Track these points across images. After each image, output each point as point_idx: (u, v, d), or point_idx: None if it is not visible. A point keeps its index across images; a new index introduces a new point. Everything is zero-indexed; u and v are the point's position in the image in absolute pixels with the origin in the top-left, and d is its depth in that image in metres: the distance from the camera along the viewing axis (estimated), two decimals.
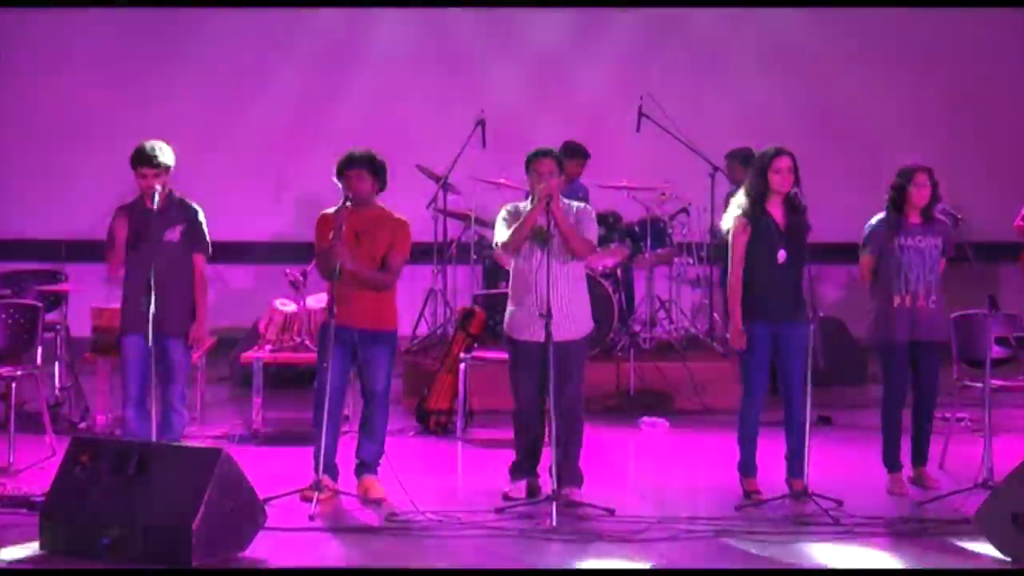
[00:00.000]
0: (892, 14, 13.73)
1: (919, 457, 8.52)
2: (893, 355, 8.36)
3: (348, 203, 8.04)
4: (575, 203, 8.31)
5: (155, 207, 8.07)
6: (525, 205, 8.16)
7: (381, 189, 8.25)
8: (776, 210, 8.17)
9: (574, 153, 11.76)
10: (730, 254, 8.26)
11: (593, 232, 8.18)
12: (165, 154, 8.16)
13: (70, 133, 13.55)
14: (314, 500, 7.74)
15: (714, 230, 11.71)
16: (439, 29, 13.83)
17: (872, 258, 8.42)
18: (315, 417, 8.07)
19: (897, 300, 8.31)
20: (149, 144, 8.16)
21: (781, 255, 8.08)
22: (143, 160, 8.10)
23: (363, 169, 8.12)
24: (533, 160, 8.11)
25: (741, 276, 8.18)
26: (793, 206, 8.06)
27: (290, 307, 10.23)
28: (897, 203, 8.36)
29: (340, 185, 8.15)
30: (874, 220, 8.45)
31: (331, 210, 8.17)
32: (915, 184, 8.30)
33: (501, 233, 8.15)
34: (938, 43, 13.95)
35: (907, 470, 8.49)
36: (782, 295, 8.05)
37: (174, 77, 13.71)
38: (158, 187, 8.09)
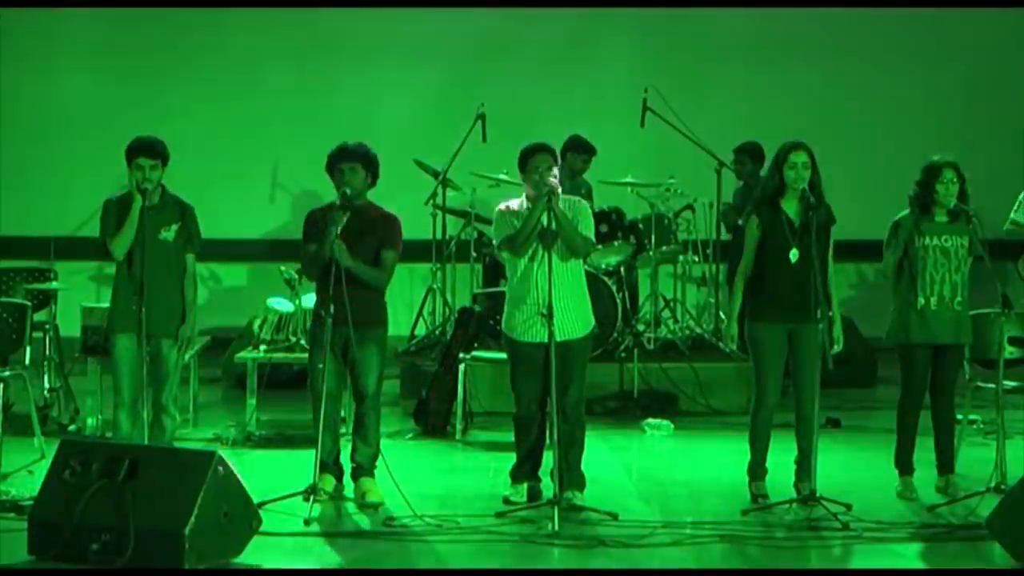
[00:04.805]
0: (903, 8, 13.63)
1: (947, 464, 8.38)
2: (914, 357, 8.22)
3: (345, 200, 7.89)
4: (571, 198, 8.21)
5: (150, 202, 7.95)
6: (521, 202, 8.02)
7: (372, 183, 8.11)
8: (791, 207, 8.00)
9: (579, 148, 11.66)
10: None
11: (591, 228, 8.07)
12: (163, 147, 8.07)
13: (60, 130, 13.53)
14: (310, 504, 7.64)
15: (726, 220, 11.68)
16: (438, 23, 13.73)
17: (896, 257, 8.25)
18: (314, 420, 8.01)
19: (921, 301, 8.16)
20: (148, 136, 8.07)
21: (794, 254, 7.90)
22: (143, 149, 7.97)
23: (357, 162, 8.02)
24: (529, 156, 7.99)
25: (744, 274, 8.07)
26: (807, 203, 7.87)
27: (285, 306, 10.11)
28: (923, 201, 8.18)
29: (332, 178, 8.01)
30: (899, 217, 8.28)
31: (320, 207, 8.12)
32: (942, 181, 8.12)
33: (500, 232, 8.03)
34: (949, 38, 13.96)
35: (925, 476, 8.34)
36: (795, 295, 7.86)
37: (166, 74, 13.69)
38: (155, 180, 7.95)
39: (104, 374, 9.52)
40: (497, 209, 8.16)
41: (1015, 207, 10.66)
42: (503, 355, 8.52)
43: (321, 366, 7.91)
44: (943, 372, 8.25)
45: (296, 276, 9.77)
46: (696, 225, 11.91)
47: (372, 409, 8.14)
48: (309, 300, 9.85)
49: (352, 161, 8.02)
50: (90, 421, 9.84)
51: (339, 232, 7.82)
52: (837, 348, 7.96)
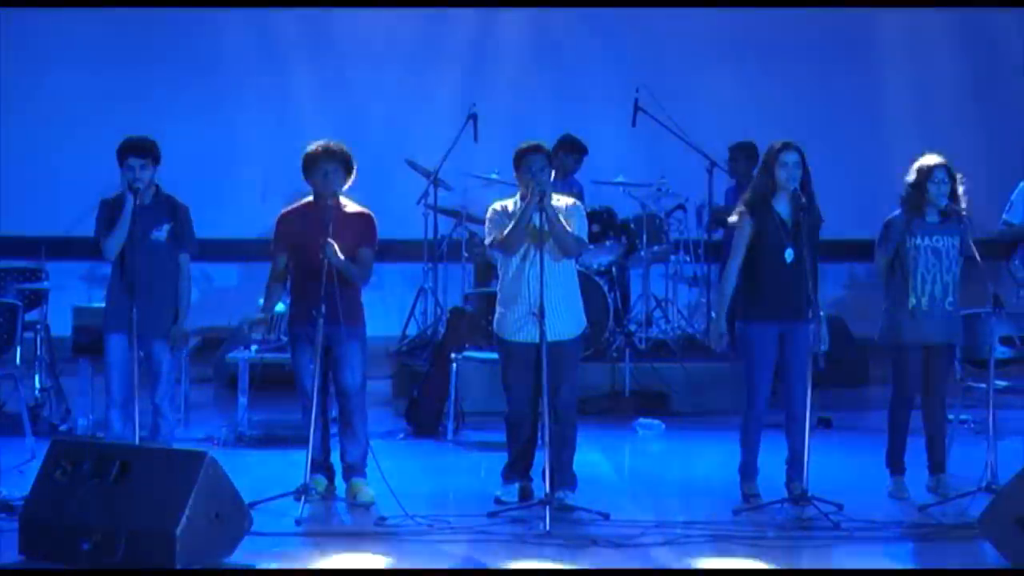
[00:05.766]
0: (895, 8, 13.64)
1: (938, 464, 8.38)
2: (906, 357, 8.21)
3: (331, 199, 7.92)
4: (564, 198, 8.20)
5: (142, 201, 7.94)
6: (514, 202, 8.01)
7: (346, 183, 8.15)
8: (783, 207, 7.99)
9: (571, 147, 11.67)
10: (732, 249, 8.14)
11: (584, 228, 8.09)
12: (153, 147, 8.03)
13: (51, 130, 13.46)
14: (301, 504, 7.63)
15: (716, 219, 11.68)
16: (430, 23, 13.72)
17: (888, 257, 8.24)
18: (305, 419, 8.00)
19: (912, 301, 8.15)
20: (138, 136, 8.06)
21: (788, 254, 7.89)
22: (132, 148, 7.96)
23: (338, 163, 8.05)
24: (523, 156, 7.99)
25: (735, 273, 8.06)
26: (799, 203, 7.87)
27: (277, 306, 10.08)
28: (914, 201, 8.17)
29: (309, 175, 8.05)
30: (890, 217, 8.28)
31: (291, 209, 8.18)
32: (933, 181, 8.11)
33: (492, 232, 8.03)
34: (940, 38, 13.94)
35: (916, 476, 8.34)
36: (788, 294, 7.87)
37: (158, 74, 13.64)
38: (146, 179, 7.95)
39: (95, 374, 9.50)
40: (490, 208, 8.16)
41: (1007, 208, 10.67)
42: (495, 355, 8.51)
43: (312, 366, 7.91)
44: (934, 372, 8.24)
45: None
46: (687, 225, 11.92)
47: (358, 408, 8.13)
48: None
49: (334, 161, 8.03)
50: (81, 421, 9.83)
51: (329, 232, 7.84)
52: (823, 348, 7.96)
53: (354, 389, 8.09)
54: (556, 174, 8.29)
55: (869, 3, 13.68)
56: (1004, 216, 10.62)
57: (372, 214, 8.17)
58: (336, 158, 8.04)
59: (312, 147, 8.09)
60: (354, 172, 8.12)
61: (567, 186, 11.37)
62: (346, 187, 8.10)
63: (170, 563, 6.51)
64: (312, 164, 8.06)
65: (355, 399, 8.11)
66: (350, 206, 8.14)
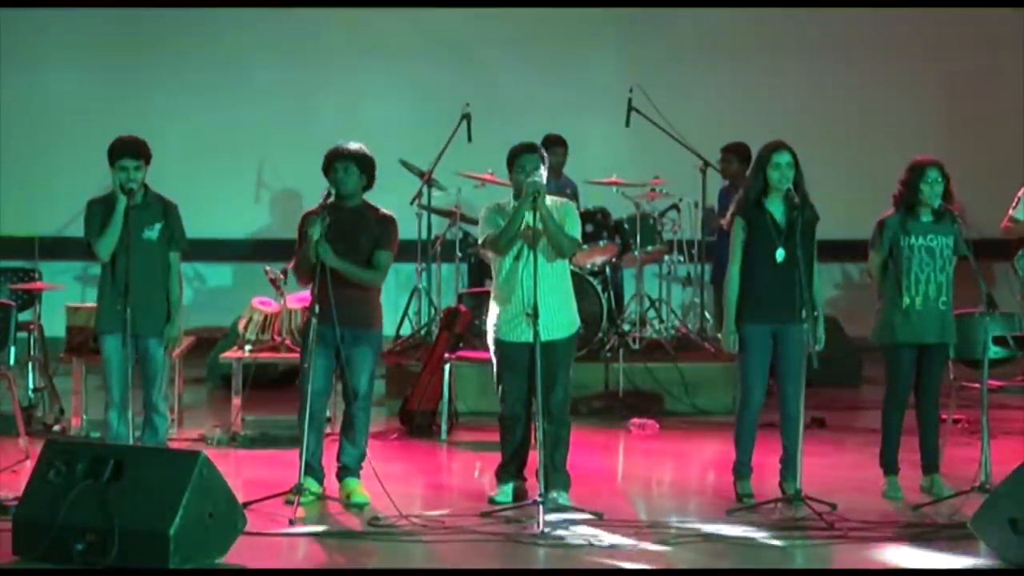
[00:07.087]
0: (886, 7, 13.66)
1: (931, 464, 8.38)
2: (899, 357, 8.20)
3: (330, 198, 7.90)
4: (557, 199, 8.21)
5: (133, 202, 7.93)
6: (508, 202, 8.01)
7: (368, 186, 8.11)
8: (776, 207, 7.99)
9: (554, 144, 11.63)
10: (729, 252, 8.12)
11: (577, 228, 8.08)
12: (146, 147, 8.04)
13: (45, 130, 13.48)
14: (295, 504, 7.62)
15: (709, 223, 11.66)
16: (423, 22, 13.71)
17: (881, 257, 8.23)
18: (299, 419, 7.98)
19: (906, 301, 8.14)
20: (130, 136, 8.05)
21: (779, 254, 7.89)
22: (126, 149, 7.95)
23: (352, 162, 8.01)
24: (516, 156, 8.00)
25: (736, 276, 8.04)
26: (792, 204, 7.87)
27: (270, 306, 10.09)
28: (907, 200, 8.17)
29: (327, 178, 8.03)
30: (884, 217, 8.27)
31: (313, 208, 8.07)
32: (927, 181, 8.11)
33: (486, 231, 8.03)
34: (935, 37, 13.96)
35: (909, 476, 8.34)
36: (781, 295, 7.86)
37: (151, 73, 13.65)
38: (139, 180, 7.95)
39: (88, 374, 9.50)
40: (484, 208, 8.16)
41: (1014, 205, 10.65)
42: (488, 355, 8.50)
43: (307, 366, 7.90)
44: (928, 372, 8.24)
45: (282, 276, 9.76)
46: (681, 225, 11.92)
47: (362, 410, 8.12)
48: (294, 300, 9.86)
49: (346, 161, 8.02)
50: (75, 421, 9.81)
51: (325, 232, 7.81)
52: (819, 347, 7.95)
53: (359, 393, 8.07)
54: (549, 176, 8.29)
55: (864, 3, 13.69)
56: (1011, 212, 10.63)
57: (395, 218, 8.14)
58: (349, 158, 8.02)
59: (332, 148, 8.09)
60: (373, 171, 8.09)
61: (560, 187, 11.37)
62: (365, 188, 8.09)
63: (164, 563, 6.51)
64: (328, 164, 8.06)
65: (359, 402, 8.10)
66: (374, 208, 8.12)
